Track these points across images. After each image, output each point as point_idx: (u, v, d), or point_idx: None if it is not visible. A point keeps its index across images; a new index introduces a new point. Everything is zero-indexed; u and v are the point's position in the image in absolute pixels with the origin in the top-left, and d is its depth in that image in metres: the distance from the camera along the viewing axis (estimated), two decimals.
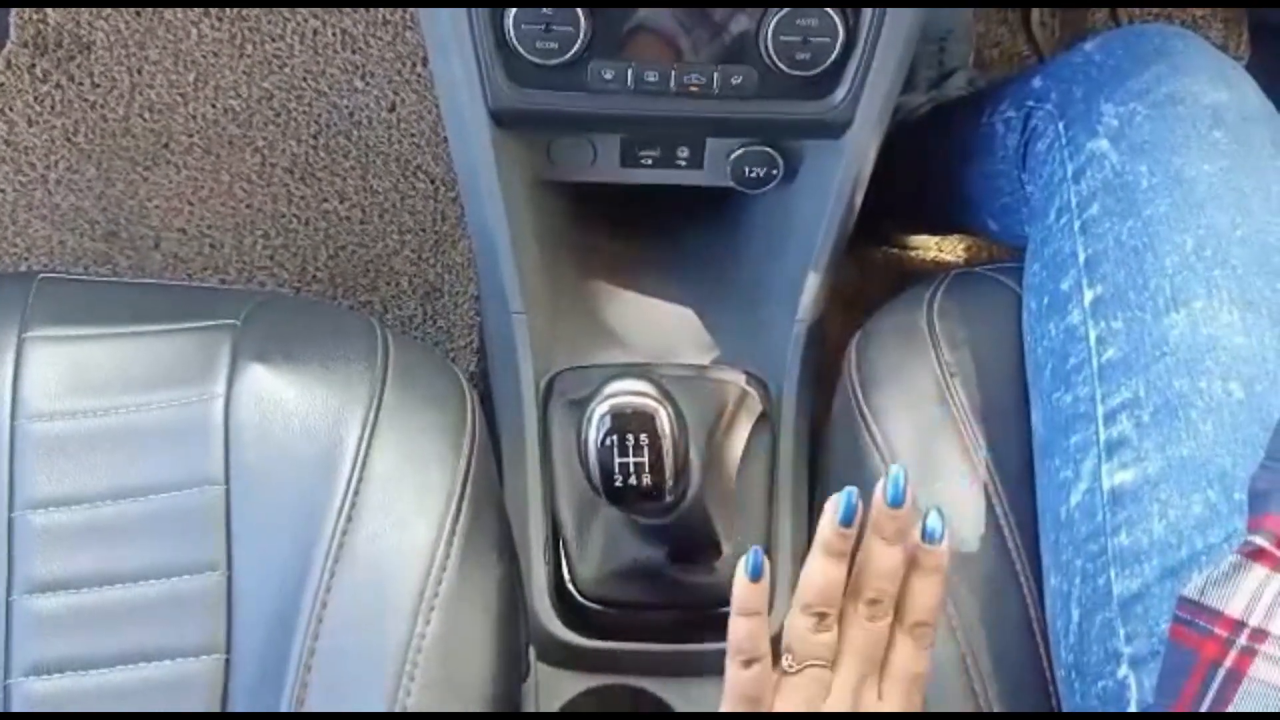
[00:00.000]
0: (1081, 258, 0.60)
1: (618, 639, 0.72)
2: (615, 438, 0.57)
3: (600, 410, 0.58)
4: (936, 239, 1.13)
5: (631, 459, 0.57)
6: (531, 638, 0.73)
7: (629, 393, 0.58)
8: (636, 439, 0.56)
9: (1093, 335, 0.58)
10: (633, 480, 0.57)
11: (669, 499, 0.59)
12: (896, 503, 0.45)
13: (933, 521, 0.46)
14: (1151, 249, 0.57)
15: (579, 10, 0.58)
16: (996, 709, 0.56)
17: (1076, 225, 0.61)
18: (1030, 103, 0.70)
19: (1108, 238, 0.59)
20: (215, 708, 0.54)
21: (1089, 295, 0.59)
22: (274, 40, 1.15)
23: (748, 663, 0.46)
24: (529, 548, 0.72)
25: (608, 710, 0.74)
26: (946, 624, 0.58)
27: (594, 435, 0.58)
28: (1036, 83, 0.71)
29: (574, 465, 0.73)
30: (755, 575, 0.46)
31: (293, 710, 0.53)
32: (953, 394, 0.64)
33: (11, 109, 1.13)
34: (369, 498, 0.56)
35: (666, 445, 0.57)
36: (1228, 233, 0.56)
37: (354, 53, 1.15)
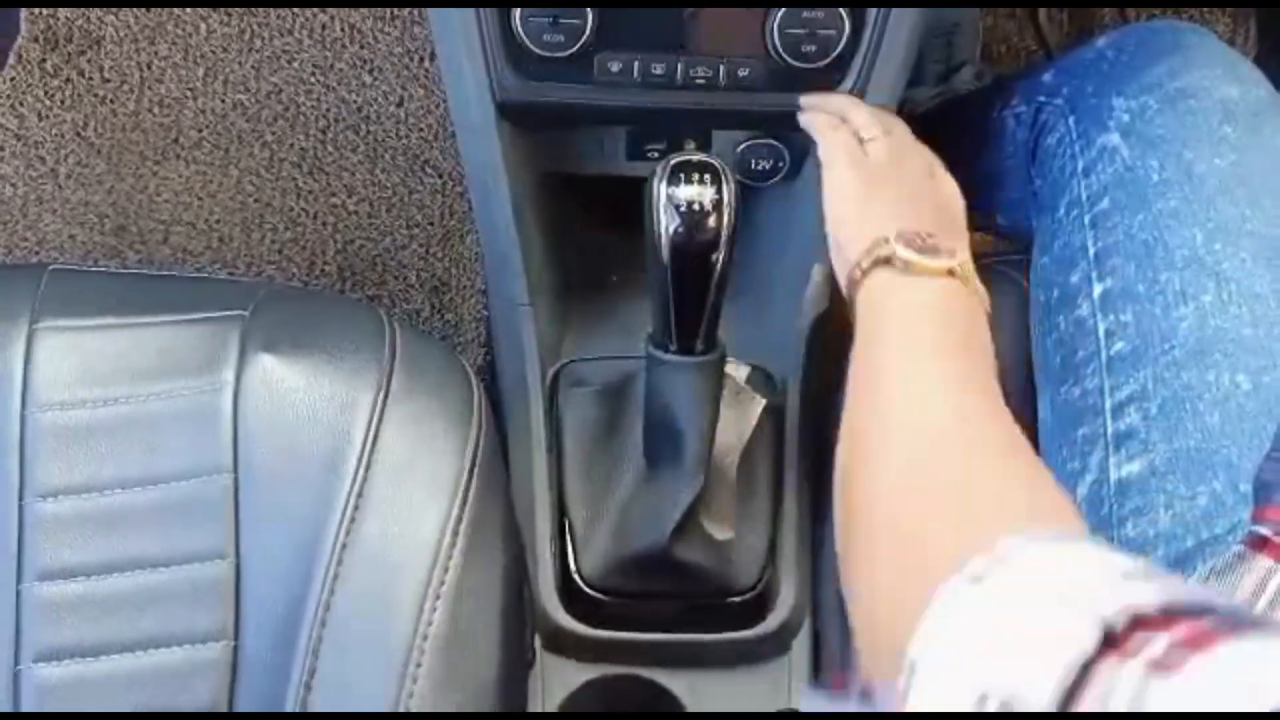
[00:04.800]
0: (1091, 251, 0.60)
1: (623, 629, 0.73)
2: (682, 174, 0.57)
3: (669, 162, 0.59)
4: None
5: (695, 187, 0.57)
6: (537, 627, 0.73)
7: (692, 152, 0.60)
8: (700, 176, 0.57)
9: (1101, 328, 0.58)
10: (695, 206, 0.57)
11: (724, 243, 0.58)
12: None
13: None
14: (1161, 243, 0.57)
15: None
16: None
17: (1087, 219, 0.62)
18: (1041, 98, 0.70)
19: (1118, 231, 0.59)
20: (223, 694, 0.55)
21: (1098, 289, 0.59)
22: (282, 35, 1.15)
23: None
24: (535, 538, 0.73)
25: (612, 700, 0.74)
26: None
27: (660, 177, 0.58)
28: (1047, 78, 0.71)
29: (581, 456, 0.73)
30: None
31: (300, 696, 0.53)
32: None
33: (22, 103, 1.13)
34: (376, 487, 0.57)
35: (727, 183, 0.58)
36: (1237, 226, 0.56)
37: (362, 47, 1.15)
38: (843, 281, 0.55)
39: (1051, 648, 0.26)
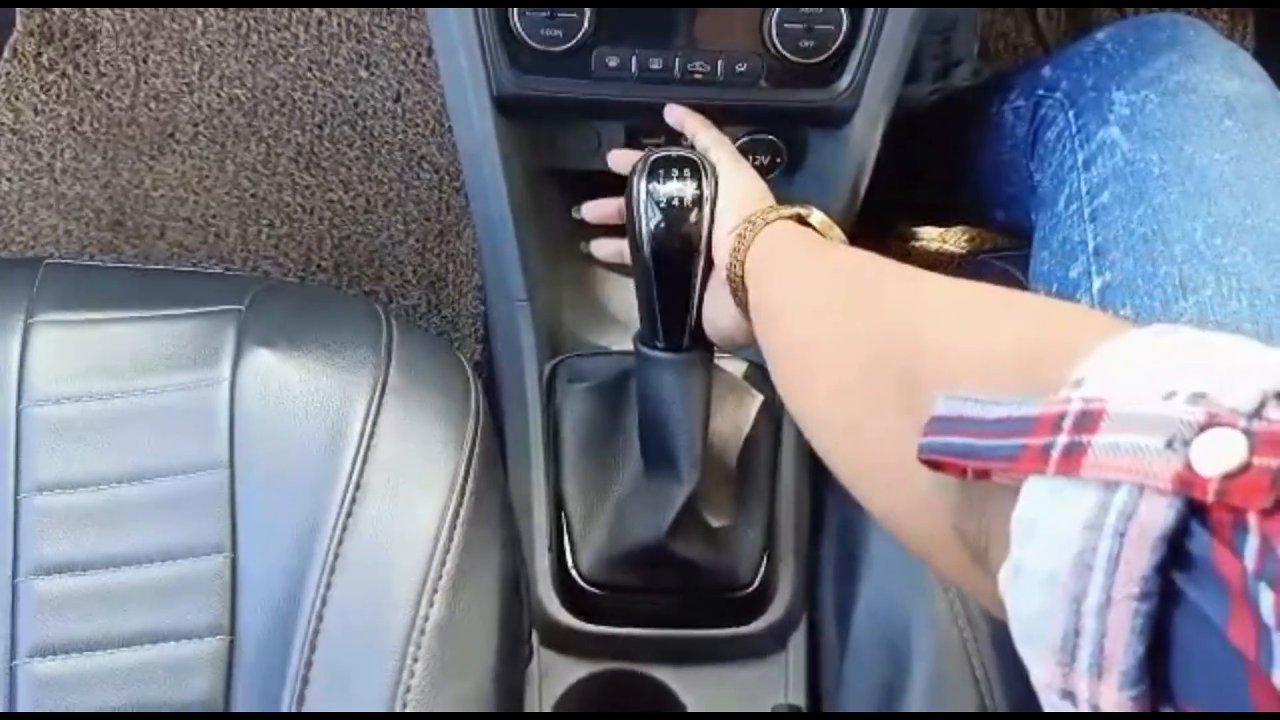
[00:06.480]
0: (1091, 245, 0.60)
1: (620, 624, 0.73)
2: (662, 170, 0.58)
3: (649, 157, 0.59)
4: (941, 229, 1.13)
5: (675, 183, 0.58)
6: (534, 623, 0.73)
7: (673, 148, 0.60)
8: (681, 172, 0.58)
9: None
10: (675, 201, 0.57)
11: (704, 238, 0.58)
12: None
13: None
14: (1161, 237, 0.57)
15: None
16: (998, 695, 0.57)
17: (1086, 213, 0.62)
18: (1040, 92, 0.70)
19: (1117, 225, 0.59)
20: (219, 689, 0.55)
21: (1098, 283, 0.59)
22: (279, 30, 1.15)
23: None
24: (532, 533, 0.73)
25: (609, 696, 0.74)
26: (949, 612, 0.59)
27: (640, 173, 0.59)
28: (1046, 72, 0.71)
29: (578, 451, 0.73)
30: None
31: (297, 691, 0.53)
32: None
33: (18, 98, 1.13)
34: (373, 482, 0.56)
35: (707, 177, 0.58)
36: (1238, 221, 0.56)
37: (359, 42, 1.15)
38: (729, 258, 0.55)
39: (1253, 360, 0.23)
